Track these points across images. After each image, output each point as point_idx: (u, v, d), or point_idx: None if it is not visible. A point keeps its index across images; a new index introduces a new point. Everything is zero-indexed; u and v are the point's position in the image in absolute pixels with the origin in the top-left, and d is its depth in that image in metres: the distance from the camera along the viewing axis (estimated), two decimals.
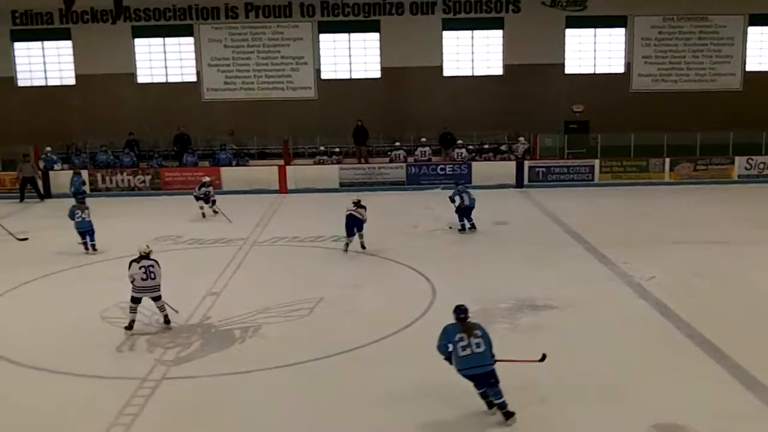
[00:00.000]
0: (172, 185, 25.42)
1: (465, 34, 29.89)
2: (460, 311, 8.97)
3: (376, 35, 29.65)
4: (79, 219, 17.26)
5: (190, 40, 29.35)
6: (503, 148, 28.34)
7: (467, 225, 18.79)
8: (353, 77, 30.02)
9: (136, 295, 11.92)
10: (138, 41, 29.34)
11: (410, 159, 26.99)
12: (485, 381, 8.71)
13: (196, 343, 11.39)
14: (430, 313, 12.55)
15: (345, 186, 25.35)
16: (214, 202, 21.39)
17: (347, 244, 16.81)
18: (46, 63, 29.54)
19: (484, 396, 8.81)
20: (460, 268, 15.44)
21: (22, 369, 10.67)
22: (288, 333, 11.82)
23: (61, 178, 25.22)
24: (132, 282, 11.88)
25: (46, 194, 24.97)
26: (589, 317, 12.30)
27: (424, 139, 27.57)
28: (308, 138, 28.72)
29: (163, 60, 29.64)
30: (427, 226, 19.64)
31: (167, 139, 28.48)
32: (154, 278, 11.94)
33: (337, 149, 28.11)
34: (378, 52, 29.81)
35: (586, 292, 13.52)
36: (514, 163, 26.34)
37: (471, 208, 18.69)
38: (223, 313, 12.69)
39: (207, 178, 22.23)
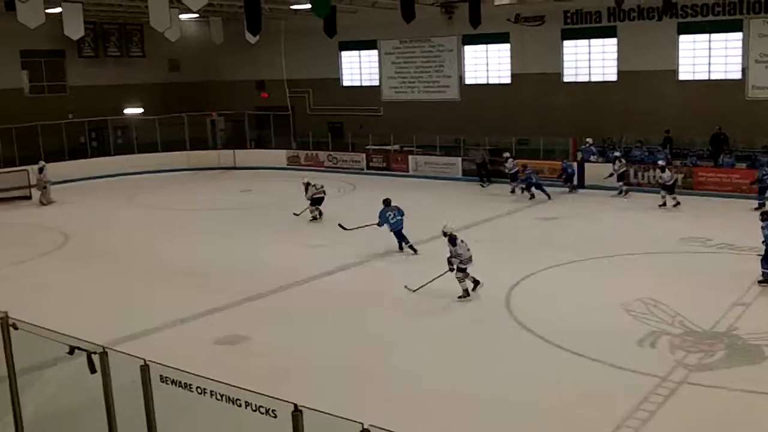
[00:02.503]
0: (705, 185, 24.57)
1: None
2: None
3: None
4: None
5: (738, 35, 27.86)
6: None
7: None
8: None
9: (463, 266, 13.85)
10: (682, 38, 28.84)
11: None
12: None
13: (720, 353, 11.00)
14: None
15: None
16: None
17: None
18: (591, 60, 30.85)
19: None
20: None
21: (548, 345, 11.53)
22: None
23: (595, 170, 26.24)
24: (459, 256, 13.77)
25: (580, 185, 26.26)
26: None
27: None
28: None
29: (707, 57, 28.69)
30: None
31: (704, 138, 27.58)
32: (469, 248, 13.96)
33: None
34: None
35: None
36: None
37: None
38: (752, 326, 11.99)
39: None
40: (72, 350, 5.81)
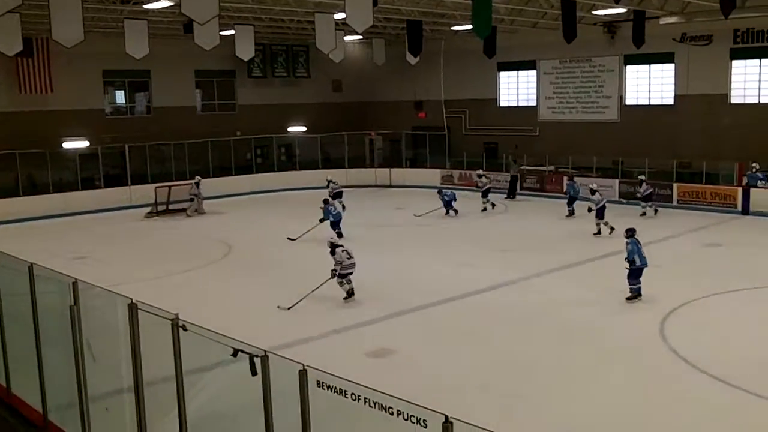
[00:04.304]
0: None
1: None
2: (634, 230, 15.15)
3: None
4: None
5: None
6: None
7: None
8: None
9: (344, 272, 15.49)
10: None
11: None
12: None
13: None
14: None
15: None
16: None
17: None
18: (761, 80, 29.22)
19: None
20: None
21: (706, 377, 11.06)
22: None
23: (762, 196, 24.93)
24: (341, 264, 15.40)
25: (744, 211, 25.09)
26: None
27: None
28: None
29: None
30: None
31: None
32: (352, 257, 15.56)
33: None
34: None
35: None
36: None
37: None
38: None
39: None
40: (236, 353, 6.16)
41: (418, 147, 38.12)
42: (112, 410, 8.50)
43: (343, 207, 26.54)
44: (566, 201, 25.76)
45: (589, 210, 22.55)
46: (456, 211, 26.47)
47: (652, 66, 31.62)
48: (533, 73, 35.42)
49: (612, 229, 21.38)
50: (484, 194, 27.86)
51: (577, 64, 33.59)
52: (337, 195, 27.40)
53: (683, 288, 15.75)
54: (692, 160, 28.60)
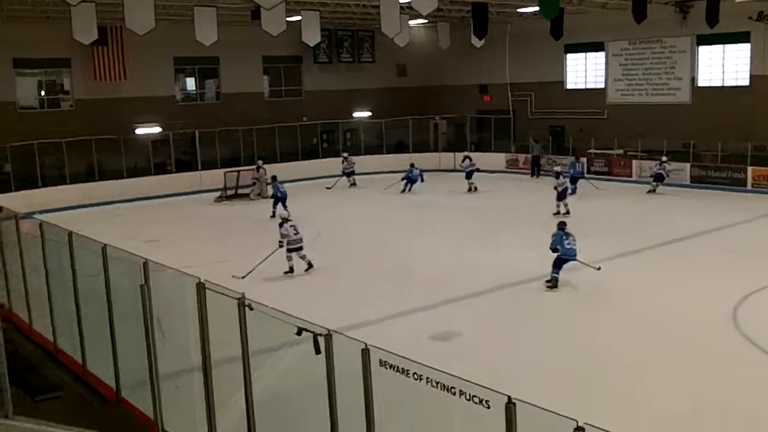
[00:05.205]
0: None
1: None
2: (564, 224, 15.61)
3: None
4: None
5: None
6: None
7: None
8: None
9: (290, 247, 16.37)
10: None
11: None
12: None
13: None
14: None
15: None
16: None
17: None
18: None
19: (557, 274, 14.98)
20: None
21: None
22: None
23: None
24: (286, 238, 16.28)
25: None
26: None
27: None
28: None
29: None
30: None
31: None
32: (299, 233, 16.41)
33: None
34: None
35: None
36: None
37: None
38: None
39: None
40: (300, 331, 6.26)
41: (482, 131, 37.82)
42: (182, 388, 8.74)
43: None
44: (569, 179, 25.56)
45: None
46: (422, 180, 28.92)
47: (727, 46, 30.62)
48: (601, 54, 34.68)
49: (567, 212, 22.24)
50: (468, 176, 28.63)
51: (648, 45, 32.74)
52: (350, 173, 30.57)
53: (757, 274, 15.32)
54: None
